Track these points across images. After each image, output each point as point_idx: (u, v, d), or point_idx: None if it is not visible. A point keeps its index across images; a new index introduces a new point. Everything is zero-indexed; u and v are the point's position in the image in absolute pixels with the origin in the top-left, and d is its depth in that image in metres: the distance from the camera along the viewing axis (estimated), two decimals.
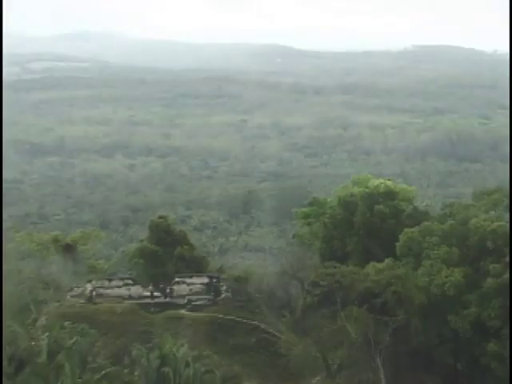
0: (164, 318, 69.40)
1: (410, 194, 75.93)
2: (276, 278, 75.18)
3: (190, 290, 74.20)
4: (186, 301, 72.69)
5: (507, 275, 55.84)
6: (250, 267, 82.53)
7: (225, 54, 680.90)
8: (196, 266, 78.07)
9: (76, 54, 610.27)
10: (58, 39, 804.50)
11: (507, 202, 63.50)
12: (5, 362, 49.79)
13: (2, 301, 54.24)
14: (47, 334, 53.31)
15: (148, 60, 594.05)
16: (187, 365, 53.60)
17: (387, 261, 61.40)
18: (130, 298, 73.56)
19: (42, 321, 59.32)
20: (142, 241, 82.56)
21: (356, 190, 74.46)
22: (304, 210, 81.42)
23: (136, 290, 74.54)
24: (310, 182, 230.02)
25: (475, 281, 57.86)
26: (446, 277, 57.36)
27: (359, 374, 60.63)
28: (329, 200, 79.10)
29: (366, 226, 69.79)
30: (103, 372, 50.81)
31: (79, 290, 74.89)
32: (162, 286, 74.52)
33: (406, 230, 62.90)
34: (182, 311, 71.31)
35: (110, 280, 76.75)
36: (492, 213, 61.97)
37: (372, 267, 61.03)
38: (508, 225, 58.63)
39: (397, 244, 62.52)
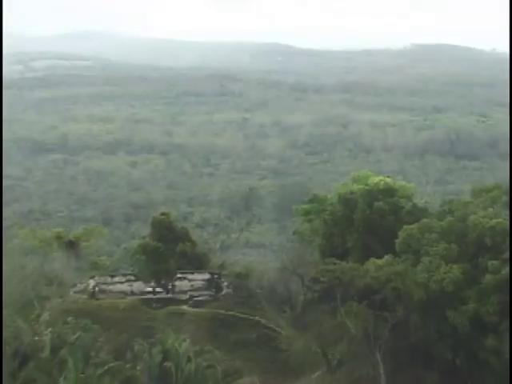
0: (166, 313, 70.03)
1: (409, 191, 76.12)
2: (277, 274, 75.83)
3: (192, 285, 74.91)
4: (187, 297, 73.35)
5: (505, 271, 55.96)
6: (251, 263, 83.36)
7: (226, 52, 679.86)
8: (198, 262, 78.63)
9: (78, 53, 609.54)
10: (60, 38, 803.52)
11: (505, 198, 63.56)
12: (7, 358, 50.15)
13: (1, 300, 54.57)
14: (50, 329, 53.78)
15: (149, 58, 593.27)
16: (189, 360, 53.97)
17: (387, 257, 61.37)
18: (133, 293, 74.25)
19: (46, 316, 59.81)
20: (144, 237, 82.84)
21: (356, 187, 74.65)
22: (304, 206, 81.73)
23: (138, 286, 75.28)
24: (310, 179, 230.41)
25: (474, 277, 57.88)
26: (445, 273, 57.34)
27: (359, 368, 61.05)
28: (329, 197, 79.23)
29: (365, 223, 69.99)
30: (106, 367, 51.12)
31: (82, 286, 75.64)
32: (163, 282, 75.14)
33: (405, 226, 62.88)
34: (184, 307, 71.97)
35: (112, 276, 77.51)
36: (490, 210, 61.81)
37: (372, 263, 61.07)
38: (506, 221, 58.79)
39: (396, 241, 62.42)
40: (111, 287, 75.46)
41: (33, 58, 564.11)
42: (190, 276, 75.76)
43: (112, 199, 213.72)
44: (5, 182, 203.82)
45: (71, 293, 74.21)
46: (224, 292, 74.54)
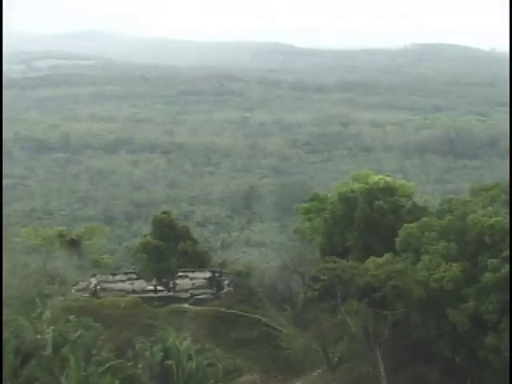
0: (167, 311, 70.27)
1: (409, 189, 76.13)
2: (277, 273, 76.03)
3: (193, 284, 75.16)
4: (188, 295, 73.62)
5: (504, 270, 56.13)
6: (252, 262, 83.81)
7: (226, 52, 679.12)
8: (199, 260, 78.87)
9: (80, 52, 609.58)
10: (62, 38, 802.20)
11: (505, 197, 63.61)
12: (8, 356, 50.36)
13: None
14: (52, 327, 53.77)
15: (150, 58, 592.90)
16: (190, 358, 54.21)
17: (387, 256, 61.51)
18: (134, 292, 74.55)
19: (48, 314, 59.75)
20: (145, 236, 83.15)
21: (356, 185, 74.67)
22: (305, 205, 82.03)
23: (139, 284, 75.55)
24: (310, 178, 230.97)
25: (473, 275, 58.09)
26: (445, 271, 57.50)
27: (359, 366, 61.40)
28: (329, 196, 79.35)
29: (365, 222, 70.14)
30: (107, 365, 51.10)
31: (84, 285, 75.94)
32: (165, 280, 75.41)
33: (405, 225, 63.00)
34: (185, 305, 72.22)
35: (114, 274, 77.78)
36: (490, 208, 61.89)
37: (372, 262, 61.20)
38: (505, 220, 58.99)
39: (396, 239, 62.64)
40: (113, 285, 75.74)
41: (35, 58, 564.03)
42: (191, 274, 75.97)
43: (114, 198, 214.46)
44: (7, 181, 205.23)
45: (73, 291, 74.46)
46: (225, 290, 74.75)
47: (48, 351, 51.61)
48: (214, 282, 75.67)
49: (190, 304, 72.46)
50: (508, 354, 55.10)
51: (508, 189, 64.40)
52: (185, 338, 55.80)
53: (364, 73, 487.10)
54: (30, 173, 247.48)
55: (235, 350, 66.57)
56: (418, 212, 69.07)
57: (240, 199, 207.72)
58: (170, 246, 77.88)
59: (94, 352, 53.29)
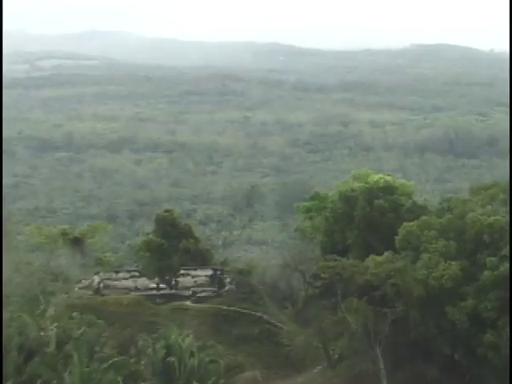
0: (169, 309, 70.61)
1: (409, 188, 76.50)
2: (278, 271, 76.51)
3: (195, 281, 75.40)
4: (190, 292, 73.95)
5: (503, 268, 56.45)
6: (253, 260, 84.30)
7: (228, 52, 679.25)
8: (201, 258, 79.25)
9: (83, 52, 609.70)
10: (66, 38, 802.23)
11: (503, 196, 63.81)
12: (12, 353, 50.74)
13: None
14: (56, 324, 53.77)
15: (153, 58, 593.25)
16: (192, 355, 54.25)
17: (386, 254, 61.82)
18: (137, 289, 74.85)
19: (51, 312, 60.07)
20: (148, 234, 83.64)
21: (356, 184, 75.03)
22: (306, 204, 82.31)
23: (142, 281, 75.84)
24: (311, 177, 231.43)
25: (472, 273, 58.41)
26: (444, 270, 57.77)
27: (359, 363, 61.74)
28: (330, 195, 79.66)
29: (365, 220, 70.51)
30: (110, 361, 51.12)
31: (87, 282, 76.28)
32: (167, 278, 75.72)
33: (404, 223, 63.27)
34: (187, 302, 72.55)
35: (117, 272, 77.99)
36: (489, 207, 62.10)
37: (372, 260, 61.50)
38: (504, 219, 59.30)
39: (396, 238, 62.94)
40: (116, 283, 75.98)
41: (38, 58, 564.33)
42: (193, 272, 76.19)
43: (117, 197, 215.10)
44: (11, 180, 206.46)
45: (76, 289, 74.76)
46: (227, 288, 75.05)
47: (51, 348, 51.68)
48: (215, 280, 75.94)
49: (192, 301, 72.79)
50: (507, 351, 55.40)
51: (507, 188, 64.59)
52: (187, 335, 55.86)
53: (364, 73, 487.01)
54: (33, 171, 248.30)
55: (237, 346, 66.91)
56: (417, 211, 69.42)
57: (241, 198, 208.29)
58: (172, 244, 78.36)
59: (97, 349, 53.35)
